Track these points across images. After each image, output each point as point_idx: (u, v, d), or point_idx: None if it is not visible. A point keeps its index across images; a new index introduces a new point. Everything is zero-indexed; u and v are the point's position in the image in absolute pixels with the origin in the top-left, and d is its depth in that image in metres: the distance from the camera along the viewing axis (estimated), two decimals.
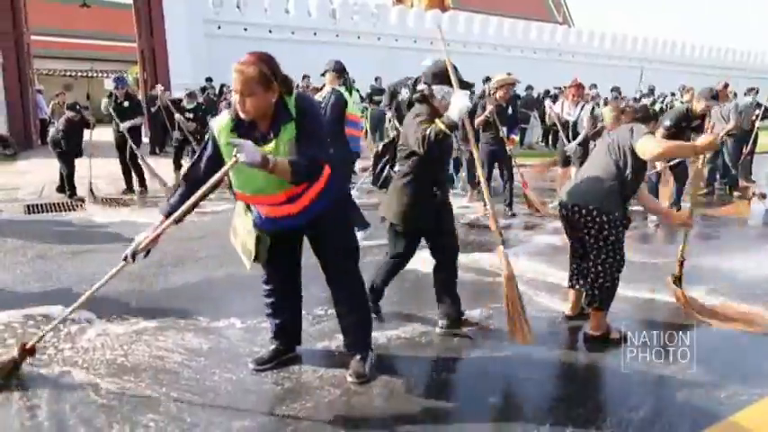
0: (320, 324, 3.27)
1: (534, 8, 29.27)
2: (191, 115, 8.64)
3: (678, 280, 3.51)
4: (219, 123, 2.35)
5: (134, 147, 7.27)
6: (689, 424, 2.35)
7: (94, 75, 22.89)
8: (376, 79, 14.38)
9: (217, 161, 2.31)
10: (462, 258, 4.60)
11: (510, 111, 6.45)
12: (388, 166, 3.26)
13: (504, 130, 6.33)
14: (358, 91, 10.05)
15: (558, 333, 3.25)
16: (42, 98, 14.34)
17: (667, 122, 5.64)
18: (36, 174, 9.09)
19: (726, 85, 8.11)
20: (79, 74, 22.81)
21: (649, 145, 2.77)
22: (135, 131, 7.51)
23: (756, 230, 6.65)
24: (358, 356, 2.63)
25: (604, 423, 2.33)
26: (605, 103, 9.86)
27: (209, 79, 13.32)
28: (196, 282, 4.08)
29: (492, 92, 6.43)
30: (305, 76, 12.89)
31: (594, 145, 11.08)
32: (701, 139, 2.80)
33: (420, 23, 19.03)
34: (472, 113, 7.61)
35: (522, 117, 11.11)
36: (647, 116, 3.39)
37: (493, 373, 2.75)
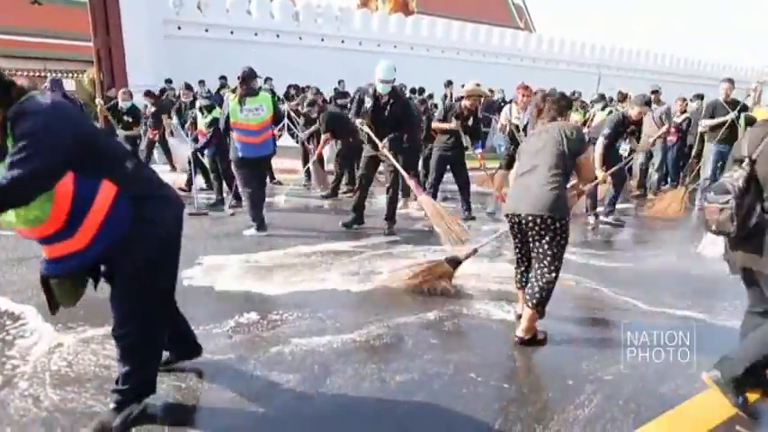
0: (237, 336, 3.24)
1: (497, 14, 29.78)
2: (129, 119, 8.17)
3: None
4: None
5: None
6: (632, 418, 2.43)
7: (48, 74, 22.09)
8: (339, 82, 14.36)
9: None
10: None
11: (472, 122, 6.44)
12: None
13: (467, 139, 6.43)
14: (275, 95, 9.95)
15: (508, 336, 3.31)
16: None
17: (607, 131, 5.97)
18: None
19: (655, 91, 8.41)
20: (32, 73, 21.96)
21: (588, 168, 3.21)
22: None
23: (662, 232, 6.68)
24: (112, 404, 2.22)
25: (552, 421, 2.38)
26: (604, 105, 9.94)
27: (168, 80, 13.05)
28: None
29: (459, 99, 6.53)
30: (267, 79, 12.75)
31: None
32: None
33: (384, 27, 19.12)
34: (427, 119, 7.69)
35: (483, 121, 11.27)
36: (568, 105, 3.26)
37: (444, 376, 2.77)
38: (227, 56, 15.26)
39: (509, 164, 6.70)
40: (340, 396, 2.55)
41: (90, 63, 18.88)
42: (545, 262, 3.00)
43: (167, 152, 9.86)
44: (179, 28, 15.43)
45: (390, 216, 5.77)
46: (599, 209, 6.60)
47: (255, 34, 16.64)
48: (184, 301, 3.61)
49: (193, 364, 2.72)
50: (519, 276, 3.34)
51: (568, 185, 3.11)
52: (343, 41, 18.06)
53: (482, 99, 7.31)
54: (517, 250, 3.28)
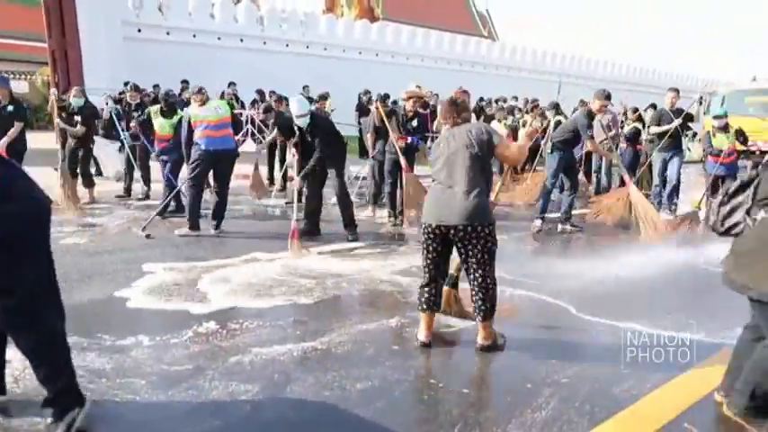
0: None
1: (461, 22, 30.25)
2: (78, 118, 7.36)
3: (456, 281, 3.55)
4: None
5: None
6: (588, 419, 2.48)
7: None
8: (304, 87, 14.26)
9: None
10: (380, 272, 4.70)
11: (416, 123, 6.45)
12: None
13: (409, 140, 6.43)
14: (238, 100, 9.89)
15: (469, 342, 3.35)
16: None
17: (588, 129, 6.28)
18: None
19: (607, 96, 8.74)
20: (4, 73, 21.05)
21: (514, 151, 3.11)
22: (18, 142, 6.39)
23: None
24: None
25: (510, 424, 2.42)
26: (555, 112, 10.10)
27: (126, 83, 12.71)
28: (102, 298, 3.86)
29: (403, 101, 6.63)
30: (231, 83, 12.60)
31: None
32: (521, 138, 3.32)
33: (349, 33, 19.20)
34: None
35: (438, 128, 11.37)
36: (466, 108, 3.26)
37: (405, 382, 2.78)
38: (189, 59, 15.02)
39: None
40: (300, 404, 2.52)
41: (43, 64, 18.28)
42: (480, 271, 2.98)
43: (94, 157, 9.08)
44: (139, 30, 15.14)
45: (349, 223, 5.80)
46: (553, 215, 6.71)
47: (219, 38, 16.46)
48: (140, 313, 3.56)
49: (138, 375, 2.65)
50: (427, 296, 3.12)
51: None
52: (308, 47, 18.04)
53: (421, 99, 7.33)
54: (431, 266, 3.09)
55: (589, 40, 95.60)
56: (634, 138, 9.18)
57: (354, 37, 19.26)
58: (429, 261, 3.09)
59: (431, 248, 3.05)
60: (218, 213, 5.86)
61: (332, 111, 11.59)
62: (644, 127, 9.21)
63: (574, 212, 6.85)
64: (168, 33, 15.72)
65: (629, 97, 18.02)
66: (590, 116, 6.35)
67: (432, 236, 3.01)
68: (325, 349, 3.10)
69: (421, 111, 6.91)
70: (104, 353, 2.95)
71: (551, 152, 6.58)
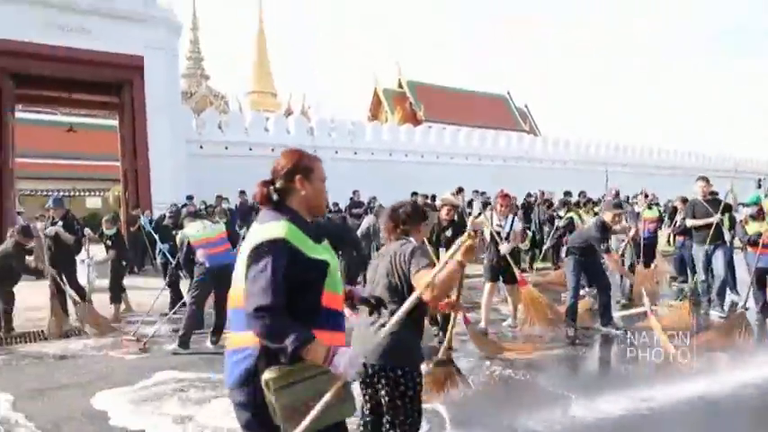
0: None
1: (501, 120, 31.27)
2: (109, 243, 7.68)
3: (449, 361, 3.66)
4: None
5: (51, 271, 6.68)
6: None
7: (75, 194, 23.19)
8: (354, 192, 14.85)
9: None
10: None
11: (450, 233, 6.02)
12: None
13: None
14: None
15: None
16: (22, 220, 14.34)
17: (604, 246, 6.03)
18: None
19: (616, 193, 8.51)
20: (61, 193, 23.06)
21: (423, 282, 2.21)
22: (67, 254, 7.02)
23: None
24: None
25: None
26: (567, 209, 9.96)
27: (189, 197, 13.61)
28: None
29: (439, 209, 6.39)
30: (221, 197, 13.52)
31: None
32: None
33: (394, 137, 20.12)
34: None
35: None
36: (419, 217, 2.78)
37: None
38: (245, 170, 15.95)
39: (493, 276, 6.38)
40: None
41: (114, 181, 19.90)
42: (397, 421, 2.51)
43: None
44: (201, 147, 16.38)
45: None
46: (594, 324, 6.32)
47: (272, 149, 17.53)
48: None
49: None
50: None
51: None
52: (355, 153, 18.94)
53: (457, 208, 6.93)
54: (367, 409, 2.67)
55: (635, 125, 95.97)
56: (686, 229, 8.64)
57: (399, 140, 20.13)
58: (364, 400, 2.66)
59: (362, 384, 2.62)
60: (219, 329, 5.80)
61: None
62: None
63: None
64: (227, 148, 16.91)
65: (681, 183, 17.62)
66: (603, 228, 6.04)
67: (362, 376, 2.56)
68: None
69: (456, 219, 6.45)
70: None
71: (566, 255, 6.34)
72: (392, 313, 2.32)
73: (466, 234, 2.12)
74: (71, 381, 4.74)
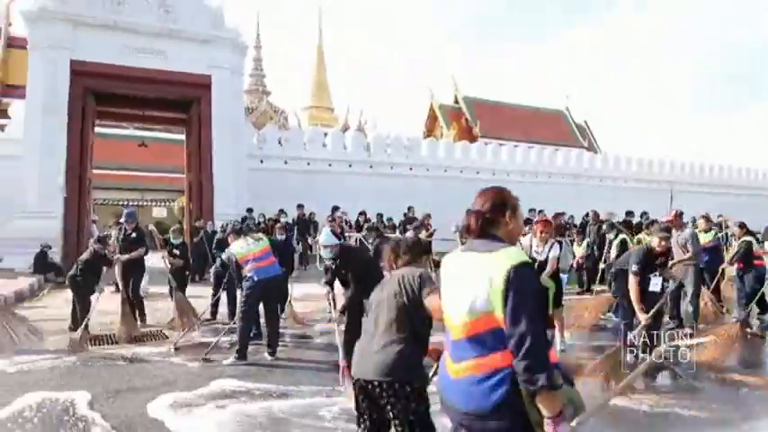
0: None
1: (559, 136, 30.64)
2: (177, 252, 8.27)
3: None
4: None
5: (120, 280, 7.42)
6: None
7: (144, 204, 24.52)
8: (409, 208, 14.93)
9: None
10: None
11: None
12: None
13: None
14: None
15: None
16: (96, 227, 15.26)
17: (634, 267, 5.39)
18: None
19: (679, 214, 7.87)
20: (130, 203, 24.44)
21: (435, 304, 2.43)
22: (137, 263, 7.70)
23: None
24: None
25: None
26: (617, 232, 9.59)
27: (249, 210, 14.10)
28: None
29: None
30: (335, 207, 13.62)
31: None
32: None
33: (450, 153, 20.11)
34: None
35: None
36: (420, 250, 2.96)
37: None
38: (303, 184, 16.51)
39: None
40: None
41: (179, 192, 20.89)
42: None
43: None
44: (261, 161, 16.98)
45: None
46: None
47: (330, 165, 17.97)
48: None
49: None
50: None
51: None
52: (411, 169, 19.07)
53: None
54: (362, 427, 2.68)
55: (701, 142, 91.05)
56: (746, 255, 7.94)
57: (455, 157, 20.09)
58: (360, 420, 2.68)
59: (359, 406, 2.66)
60: (274, 341, 6.00)
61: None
62: (758, 242, 8.34)
63: None
64: (286, 162, 17.46)
65: (753, 204, 16.66)
66: (648, 254, 5.48)
67: (357, 391, 2.64)
68: None
69: None
70: None
71: (614, 279, 6.05)
72: (398, 331, 2.56)
73: None
74: (141, 384, 5.00)
